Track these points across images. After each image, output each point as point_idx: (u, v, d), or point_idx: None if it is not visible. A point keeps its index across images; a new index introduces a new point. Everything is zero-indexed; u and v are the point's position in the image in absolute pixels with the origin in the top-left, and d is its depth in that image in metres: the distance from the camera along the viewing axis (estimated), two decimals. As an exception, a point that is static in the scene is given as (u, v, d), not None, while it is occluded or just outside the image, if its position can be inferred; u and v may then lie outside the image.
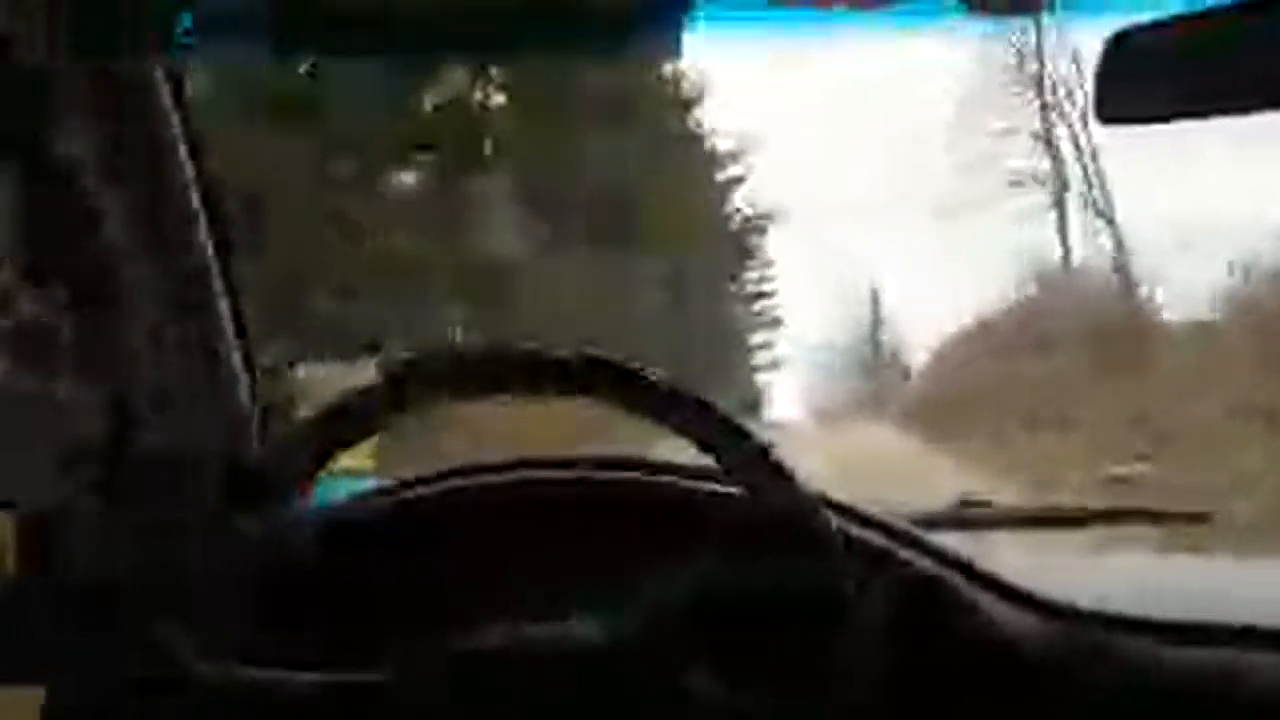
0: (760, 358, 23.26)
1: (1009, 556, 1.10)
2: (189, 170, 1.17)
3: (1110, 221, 15.57)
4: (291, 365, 4.26)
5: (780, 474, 0.90)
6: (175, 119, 1.17)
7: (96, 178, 1.12)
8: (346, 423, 0.94)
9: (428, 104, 10.96)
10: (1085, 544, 1.50)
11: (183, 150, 1.16)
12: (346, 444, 0.94)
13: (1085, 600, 1.01)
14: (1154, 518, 1.40)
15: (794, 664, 0.87)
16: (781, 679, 0.88)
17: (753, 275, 22.44)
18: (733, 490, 0.94)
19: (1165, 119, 0.90)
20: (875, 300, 24.57)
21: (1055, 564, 1.22)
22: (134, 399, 1.14)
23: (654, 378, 0.91)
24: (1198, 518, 1.45)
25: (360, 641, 0.94)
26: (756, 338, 23.15)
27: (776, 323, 23.25)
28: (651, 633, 0.88)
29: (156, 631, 0.87)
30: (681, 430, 0.90)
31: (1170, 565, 1.33)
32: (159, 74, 1.16)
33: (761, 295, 22.87)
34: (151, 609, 0.89)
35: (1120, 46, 0.89)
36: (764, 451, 0.90)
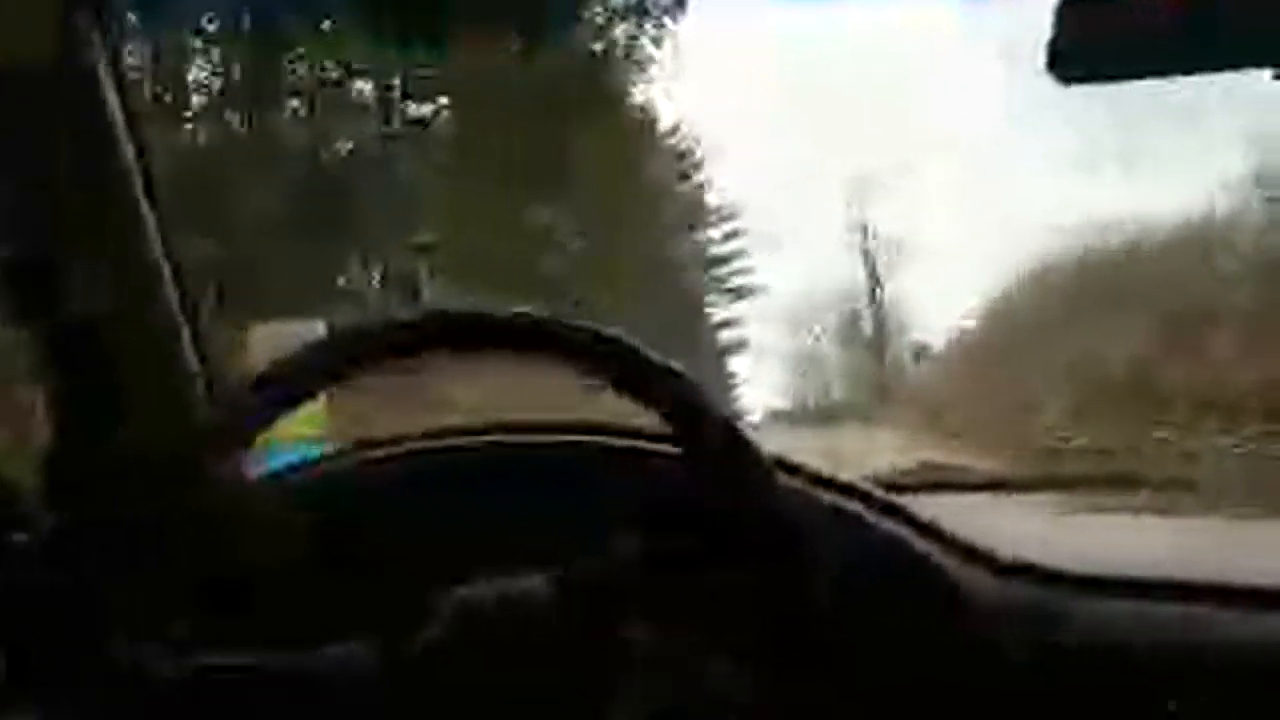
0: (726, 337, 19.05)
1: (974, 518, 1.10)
2: (132, 157, 1.16)
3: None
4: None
5: (731, 434, 0.89)
6: (119, 107, 1.15)
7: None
8: (291, 382, 0.91)
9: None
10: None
11: (125, 137, 1.15)
12: (292, 404, 0.92)
13: (1051, 561, 1.01)
14: (1108, 484, 1.40)
15: (744, 621, 0.87)
16: (729, 636, 0.87)
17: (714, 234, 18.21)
18: (678, 449, 0.93)
19: (1119, 78, 0.89)
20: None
21: (1020, 526, 1.23)
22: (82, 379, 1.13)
23: (615, 339, 0.90)
24: (1182, 484, 1.46)
25: (314, 616, 0.93)
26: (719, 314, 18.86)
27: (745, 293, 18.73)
28: (597, 587, 0.88)
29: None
30: (624, 388, 0.89)
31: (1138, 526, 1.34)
32: (102, 64, 1.14)
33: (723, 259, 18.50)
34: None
35: (1075, 3, 0.87)
36: (711, 410, 0.89)
